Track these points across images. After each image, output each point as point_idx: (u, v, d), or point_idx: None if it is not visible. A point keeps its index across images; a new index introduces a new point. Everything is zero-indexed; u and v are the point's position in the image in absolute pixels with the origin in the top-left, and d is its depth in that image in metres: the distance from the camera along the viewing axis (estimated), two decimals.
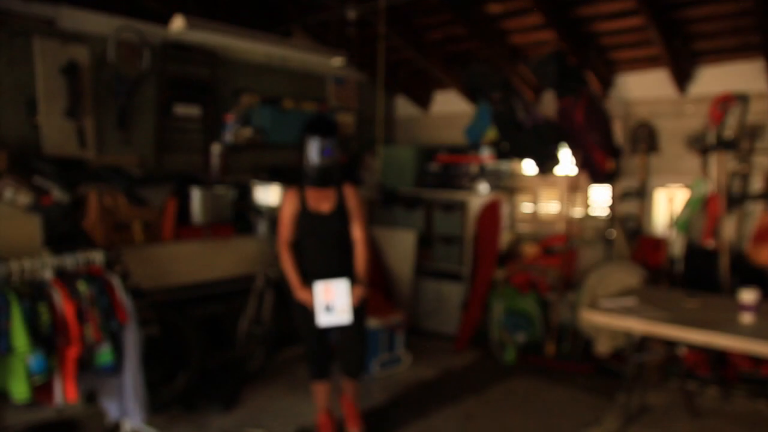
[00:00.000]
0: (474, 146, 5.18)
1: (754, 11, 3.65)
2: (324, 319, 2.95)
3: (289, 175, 4.50)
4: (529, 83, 5.20)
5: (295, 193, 3.07)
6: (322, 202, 3.05)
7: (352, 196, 3.11)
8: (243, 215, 4.18)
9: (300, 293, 3.02)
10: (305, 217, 3.04)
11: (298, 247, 3.11)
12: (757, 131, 4.15)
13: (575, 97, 4.24)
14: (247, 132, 4.70)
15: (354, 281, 3.05)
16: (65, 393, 2.59)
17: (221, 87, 4.73)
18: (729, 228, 4.17)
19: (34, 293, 2.53)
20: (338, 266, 3.06)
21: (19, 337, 2.42)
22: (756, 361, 3.66)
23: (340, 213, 3.07)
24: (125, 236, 3.52)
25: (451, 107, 5.94)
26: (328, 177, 3.03)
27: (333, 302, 2.94)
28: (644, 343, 3.57)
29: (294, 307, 3.12)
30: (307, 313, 3.04)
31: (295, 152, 5.10)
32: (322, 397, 3.28)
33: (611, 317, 3.06)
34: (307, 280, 3.04)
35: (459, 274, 5.04)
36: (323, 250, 3.07)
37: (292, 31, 5.36)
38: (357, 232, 3.11)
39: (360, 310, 3.10)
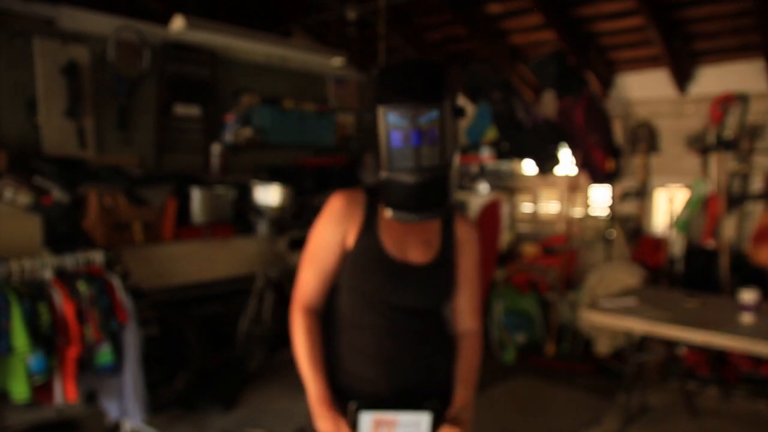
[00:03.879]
0: (474, 146, 5.18)
1: (754, 11, 3.65)
2: None
3: (290, 177, 4.49)
4: (529, 83, 5.20)
5: (358, 208, 1.50)
6: (412, 242, 1.50)
7: (469, 244, 1.59)
8: (243, 215, 4.18)
9: (325, 421, 1.42)
10: (373, 265, 1.47)
11: (331, 320, 1.55)
12: (757, 131, 4.15)
13: (575, 97, 4.24)
14: (247, 132, 4.70)
15: (441, 415, 1.43)
16: (65, 393, 2.59)
17: (221, 87, 4.73)
18: (729, 228, 4.17)
19: (34, 293, 2.53)
20: (418, 376, 1.50)
21: (19, 337, 2.42)
22: (756, 361, 3.66)
23: (445, 268, 1.53)
24: (125, 236, 3.51)
25: None
26: (430, 195, 1.41)
27: None
28: (644, 343, 3.57)
29: None
30: None
31: (295, 152, 5.16)
32: None
33: (611, 317, 3.06)
34: (344, 391, 1.48)
35: None
36: (395, 340, 1.48)
37: (292, 31, 5.37)
38: (468, 320, 1.61)
39: None
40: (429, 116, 1.35)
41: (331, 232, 1.49)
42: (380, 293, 1.47)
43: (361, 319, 1.49)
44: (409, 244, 1.50)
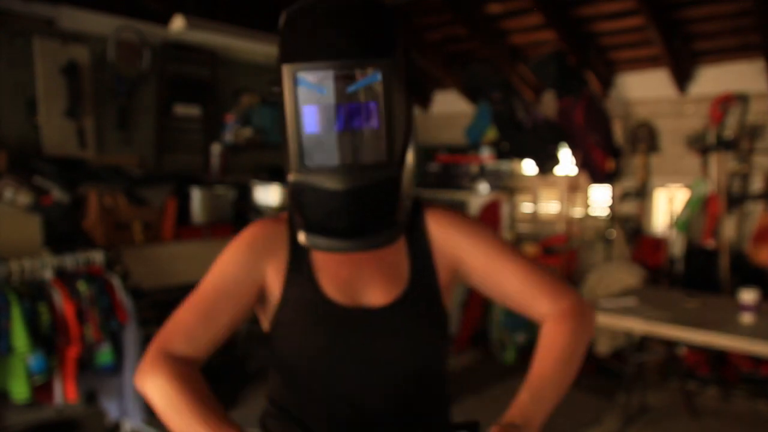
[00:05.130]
0: (474, 146, 5.18)
1: (754, 11, 3.65)
2: None
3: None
4: (529, 83, 5.20)
5: (280, 243, 1.03)
6: (366, 276, 1.00)
7: (461, 236, 1.03)
8: (243, 215, 4.19)
9: None
10: (311, 322, 0.97)
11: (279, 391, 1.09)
12: (757, 131, 4.15)
13: (575, 97, 4.24)
14: (247, 132, 4.70)
15: None
16: (65, 393, 2.59)
17: (221, 87, 4.73)
18: (729, 228, 4.17)
19: (34, 293, 2.53)
20: None
21: (19, 337, 2.42)
22: (756, 361, 3.66)
23: (424, 301, 1.01)
24: (125, 236, 3.51)
25: (451, 107, 5.94)
26: (370, 210, 0.88)
27: None
28: (644, 343, 3.57)
29: None
30: None
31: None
32: None
33: (611, 317, 3.06)
34: None
35: None
36: (363, 422, 0.97)
37: None
38: (538, 305, 1.06)
39: None
40: (365, 81, 0.83)
41: (239, 267, 1.01)
42: (329, 366, 0.95)
43: (307, 412, 0.98)
44: (362, 280, 0.99)
